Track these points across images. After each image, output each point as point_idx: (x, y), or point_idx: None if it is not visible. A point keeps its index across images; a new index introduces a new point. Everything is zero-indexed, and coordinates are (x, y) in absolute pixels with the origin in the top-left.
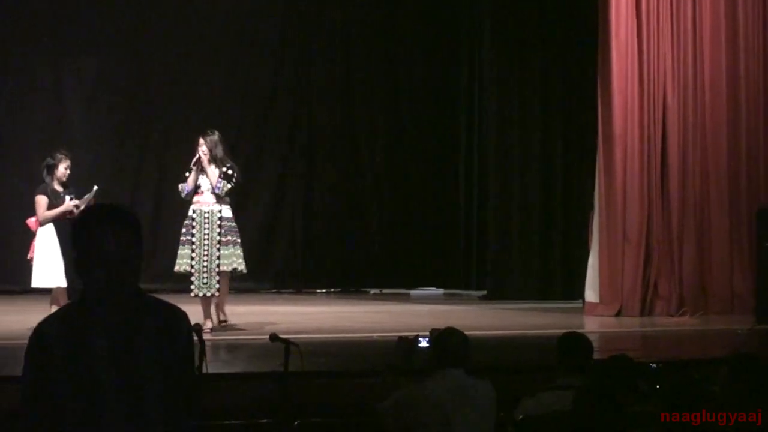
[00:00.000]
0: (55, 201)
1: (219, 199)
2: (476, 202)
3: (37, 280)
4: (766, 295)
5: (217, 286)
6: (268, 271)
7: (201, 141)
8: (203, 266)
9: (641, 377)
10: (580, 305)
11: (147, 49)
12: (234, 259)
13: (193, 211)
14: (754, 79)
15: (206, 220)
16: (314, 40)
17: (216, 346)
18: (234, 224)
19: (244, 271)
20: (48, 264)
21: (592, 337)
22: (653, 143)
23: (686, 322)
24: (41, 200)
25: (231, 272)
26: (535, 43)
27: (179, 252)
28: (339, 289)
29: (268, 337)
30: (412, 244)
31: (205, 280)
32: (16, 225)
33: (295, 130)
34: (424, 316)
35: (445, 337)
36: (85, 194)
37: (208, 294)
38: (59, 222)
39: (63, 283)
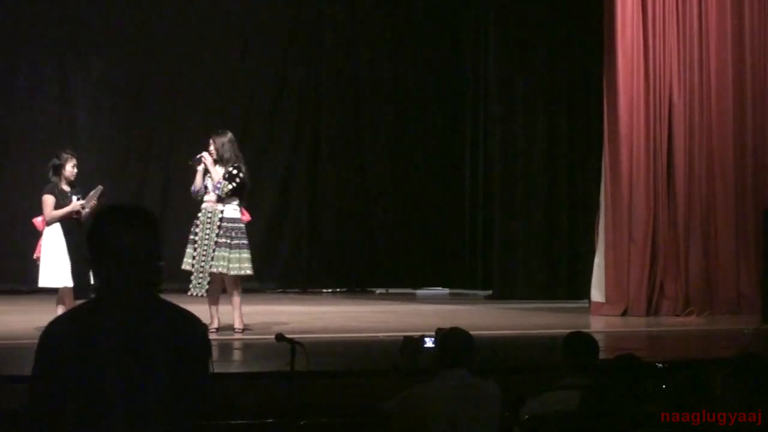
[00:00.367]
0: (62, 201)
1: (222, 199)
2: (482, 202)
3: (44, 280)
4: None
5: (207, 286)
6: (273, 270)
7: (211, 141)
8: (200, 266)
9: (648, 377)
10: (586, 305)
11: (153, 48)
12: (223, 263)
13: (200, 211)
14: (761, 78)
15: (209, 220)
16: (319, 41)
17: (222, 345)
18: (238, 225)
19: (249, 273)
20: (54, 264)
21: (597, 337)
22: (659, 143)
23: (692, 322)
24: (48, 200)
25: (220, 275)
26: (540, 42)
27: (186, 250)
28: (344, 289)
29: (273, 336)
30: (417, 244)
31: (199, 280)
32: (22, 225)
33: (301, 131)
34: (429, 316)
35: (450, 337)
36: (90, 194)
37: (199, 294)
38: (66, 222)
39: (69, 283)
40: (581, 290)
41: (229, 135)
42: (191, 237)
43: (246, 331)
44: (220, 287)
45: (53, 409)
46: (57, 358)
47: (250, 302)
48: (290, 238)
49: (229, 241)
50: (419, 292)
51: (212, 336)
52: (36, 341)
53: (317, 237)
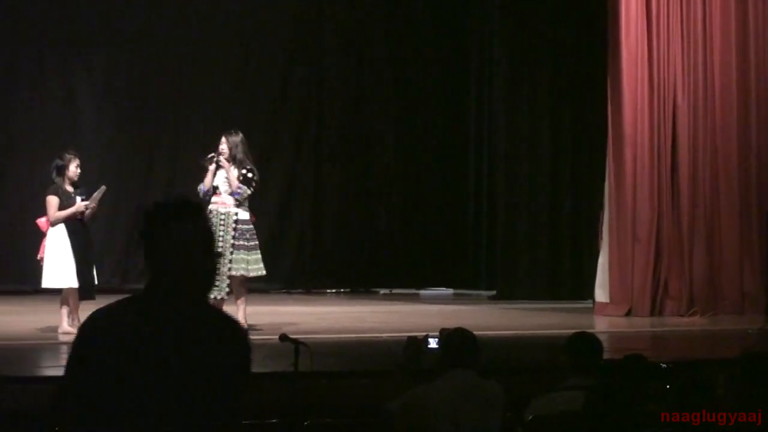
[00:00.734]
0: (66, 202)
1: (240, 203)
2: (486, 202)
3: (48, 281)
4: None
5: (227, 289)
6: (277, 271)
7: (223, 140)
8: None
9: (653, 377)
10: (590, 305)
11: (156, 48)
12: (243, 265)
13: (210, 212)
14: (765, 80)
15: (222, 222)
16: (324, 42)
17: None
18: (251, 227)
19: (264, 273)
20: (59, 264)
21: (602, 337)
22: (663, 144)
23: (696, 322)
24: (52, 200)
25: (240, 277)
26: (544, 44)
27: None
28: (348, 290)
29: (277, 337)
30: (421, 245)
31: (217, 283)
32: (26, 226)
33: (304, 131)
34: (433, 316)
35: (454, 338)
36: (92, 194)
37: (218, 297)
38: (70, 222)
39: (74, 283)
40: (585, 290)
41: (241, 136)
42: None
43: (250, 332)
44: (242, 291)
45: (82, 401)
46: (92, 350)
47: (255, 303)
48: (294, 239)
49: (246, 243)
50: (423, 292)
51: None
52: (39, 342)
53: (321, 237)
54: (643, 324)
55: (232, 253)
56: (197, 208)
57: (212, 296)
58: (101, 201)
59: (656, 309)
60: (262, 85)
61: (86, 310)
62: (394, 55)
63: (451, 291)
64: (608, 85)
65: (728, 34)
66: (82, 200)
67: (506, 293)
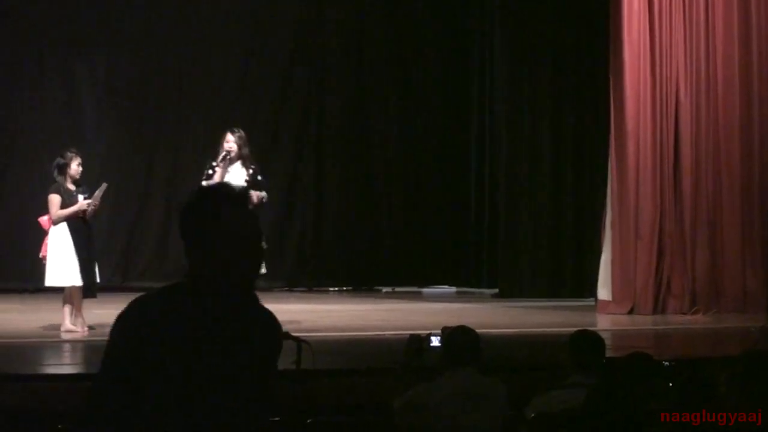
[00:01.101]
0: (68, 200)
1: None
2: (487, 200)
3: (50, 279)
4: None
5: None
6: (279, 269)
7: (229, 137)
8: None
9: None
10: (593, 303)
11: (157, 48)
12: None
13: None
14: (767, 73)
15: None
16: (324, 42)
17: None
18: None
19: (263, 272)
20: (61, 263)
21: (604, 336)
22: (666, 140)
23: (699, 320)
24: (54, 199)
25: None
26: (546, 39)
27: None
28: (351, 288)
29: None
30: (423, 243)
31: None
32: (28, 224)
33: (307, 129)
34: (435, 315)
35: (456, 336)
36: (94, 192)
37: None
38: (72, 221)
39: (77, 281)
40: (587, 288)
41: (242, 132)
42: None
43: None
44: None
45: (123, 389)
46: (134, 338)
47: None
48: (296, 237)
49: None
50: (425, 290)
51: None
52: (41, 340)
53: (323, 236)
54: (645, 322)
55: None
56: (246, 194)
57: None
58: (103, 198)
59: (659, 307)
60: (262, 84)
61: (86, 308)
62: (394, 55)
63: (453, 289)
64: (610, 81)
65: (731, 27)
66: (84, 198)
67: (508, 291)
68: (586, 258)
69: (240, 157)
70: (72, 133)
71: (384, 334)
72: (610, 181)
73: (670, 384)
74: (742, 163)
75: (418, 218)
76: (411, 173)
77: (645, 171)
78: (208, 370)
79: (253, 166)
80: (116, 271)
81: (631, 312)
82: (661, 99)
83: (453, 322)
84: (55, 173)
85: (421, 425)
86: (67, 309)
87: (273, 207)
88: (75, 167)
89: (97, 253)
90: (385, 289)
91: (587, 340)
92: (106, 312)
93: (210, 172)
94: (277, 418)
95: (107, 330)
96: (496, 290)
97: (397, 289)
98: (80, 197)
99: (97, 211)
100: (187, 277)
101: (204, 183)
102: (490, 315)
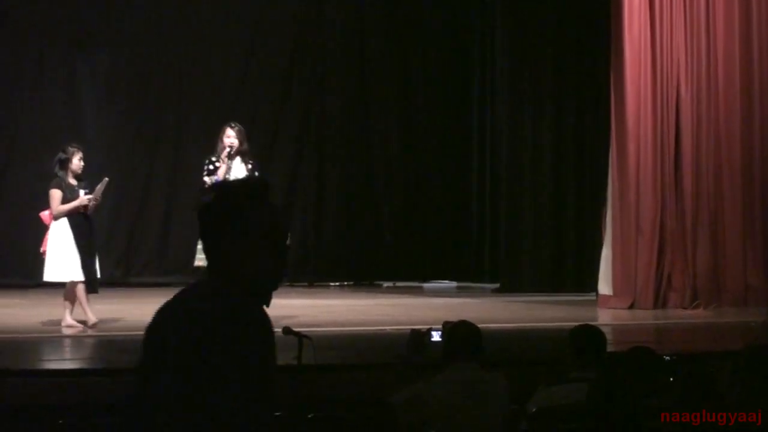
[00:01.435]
0: (70, 195)
1: None
2: (489, 195)
3: (50, 274)
4: None
5: None
6: None
7: (229, 132)
8: None
9: (656, 370)
10: (594, 298)
11: (159, 44)
12: None
13: None
14: None
15: None
16: (325, 41)
17: None
18: None
19: None
20: (61, 258)
21: (605, 330)
22: (666, 136)
23: (700, 315)
24: (55, 194)
25: None
26: (547, 35)
27: (198, 247)
28: (352, 282)
29: (281, 330)
30: (425, 237)
31: None
32: (30, 221)
33: (308, 123)
34: (436, 309)
35: (457, 331)
36: (96, 187)
37: None
38: (74, 216)
39: (77, 276)
40: (588, 283)
41: (241, 127)
42: None
43: None
44: None
45: (157, 402)
46: (163, 347)
47: None
48: (298, 232)
49: None
50: (426, 285)
51: None
52: (42, 335)
53: (324, 231)
54: (646, 316)
55: None
56: (267, 189)
57: None
58: (104, 194)
59: (659, 301)
60: (263, 83)
61: (89, 303)
62: (396, 54)
63: (454, 284)
64: (611, 77)
65: (731, 24)
66: (86, 193)
67: (509, 286)
68: (587, 253)
69: (239, 152)
70: (73, 132)
71: (385, 329)
72: (610, 177)
73: (671, 378)
74: (743, 159)
75: (419, 213)
76: (412, 169)
77: (646, 167)
78: (218, 371)
79: (251, 162)
80: (117, 266)
81: (632, 306)
82: (661, 96)
83: (454, 316)
84: (57, 168)
85: (423, 420)
86: (68, 304)
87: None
88: (76, 162)
89: (98, 248)
90: (386, 284)
91: (588, 335)
92: (107, 307)
93: (211, 167)
94: (277, 413)
95: (109, 325)
96: (497, 285)
97: (398, 284)
98: (81, 192)
99: (98, 206)
100: (208, 276)
101: (206, 178)
102: (491, 310)
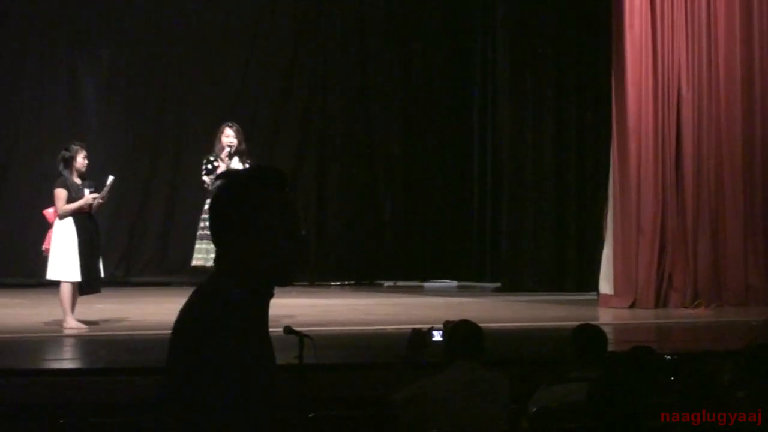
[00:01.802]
0: (75, 194)
1: None
2: (490, 195)
3: (53, 273)
4: None
5: None
6: None
7: (228, 131)
8: None
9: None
10: (595, 297)
11: (161, 43)
12: None
13: None
14: None
15: None
16: (329, 36)
17: None
18: None
19: None
20: (64, 258)
21: (606, 329)
22: (668, 135)
23: (701, 314)
24: (61, 193)
25: None
26: (548, 34)
27: (197, 246)
28: (353, 282)
29: (282, 329)
30: (425, 237)
31: None
32: (32, 220)
33: (309, 123)
34: (437, 309)
35: (458, 330)
36: (101, 186)
37: None
38: (78, 216)
39: (74, 278)
40: (589, 282)
41: (239, 126)
42: (200, 233)
43: None
44: None
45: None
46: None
47: None
48: None
49: None
50: (427, 284)
51: None
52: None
53: (325, 230)
54: (647, 316)
55: None
56: (286, 176)
57: None
58: (108, 192)
59: (660, 301)
60: (264, 83)
61: (89, 302)
62: (396, 54)
63: (455, 283)
64: (612, 77)
65: (732, 23)
66: (91, 192)
67: (510, 285)
68: (587, 252)
69: (238, 151)
70: (74, 131)
71: (386, 329)
72: (612, 176)
73: (672, 378)
74: (744, 158)
75: (420, 213)
76: (413, 168)
77: (647, 166)
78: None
79: (249, 162)
80: (119, 266)
81: (633, 306)
82: (662, 95)
83: (455, 316)
84: (61, 166)
85: (424, 419)
86: (67, 305)
87: None
88: (81, 160)
89: (101, 247)
90: (387, 283)
91: (589, 334)
92: (108, 307)
93: (209, 166)
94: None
95: (111, 325)
96: (498, 284)
97: (399, 283)
98: (86, 191)
99: (101, 205)
100: (218, 272)
101: (205, 178)
102: (492, 309)
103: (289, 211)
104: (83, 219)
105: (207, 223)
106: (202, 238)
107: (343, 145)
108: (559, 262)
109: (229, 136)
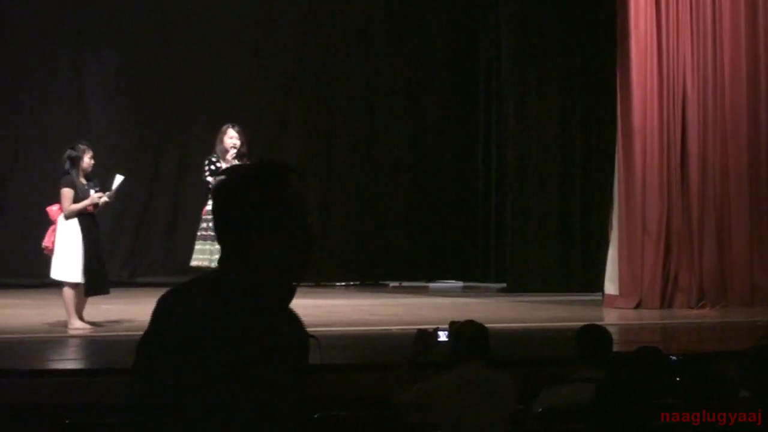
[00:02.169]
0: (81, 194)
1: None
2: (495, 195)
3: (56, 273)
4: None
5: None
6: None
7: (231, 132)
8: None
9: (663, 370)
10: (600, 298)
11: (166, 45)
12: None
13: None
14: None
15: None
16: (334, 34)
17: None
18: None
19: None
20: (68, 258)
21: (611, 330)
22: (673, 136)
23: (706, 315)
24: (67, 193)
25: None
26: (553, 34)
27: (196, 247)
28: (358, 282)
29: None
30: (431, 237)
31: None
32: (36, 220)
33: (314, 122)
34: (443, 309)
35: (464, 330)
36: (107, 186)
37: None
38: (83, 217)
39: (77, 279)
40: (595, 283)
41: (240, 127)
42: (202, 233)
43: None
44: None
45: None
46: (167, 336)
47: None
48: None
49: None
50: (432, 285)
51: None
52: (46, 335)
53: (330, 230)
54: (652, 316)
55: None
56: (291, 171)
57: None
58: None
59: (666, 301)
60: (269, 82)
61: (95, 303)
62: (401, 54)
63: (460, 284)
64: (617, 76)
65: (738, 23)
66: (96, 192)
67: (516, 286)
68: (593, 252)
69: (240, 153)
70: (79, 131)
71: (391, 329)
72: (617, 177)
73: (678, 378)
74: (750, 158)
75: (426, 213)
76: (418, 169)
77: (652, 166)
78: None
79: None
80: (124, 266)
81: (638, 306)
82: (668, 94)
83: (460, 316)
84: (68, 166)
85: (429, 420)
86: (71, 307)
87: None
88: (87, 160)
89: (103, 249)
90: (392, 284)
91: (595, 335)
92: (114, 308)
93: (213, 168)
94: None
95: (115, 325)
96: (504, 285)
97: (405, 283)
98: (92, 192)
99: (106, 204)
100: (220, 269)
101: (209, 179)
102: (497, 309)
103: (295, 204)
104: (88, 221)
105: (210, 224)
106: (205, 238)
107: (347, 146)
108: (564, 262)
109: (233, 138)
